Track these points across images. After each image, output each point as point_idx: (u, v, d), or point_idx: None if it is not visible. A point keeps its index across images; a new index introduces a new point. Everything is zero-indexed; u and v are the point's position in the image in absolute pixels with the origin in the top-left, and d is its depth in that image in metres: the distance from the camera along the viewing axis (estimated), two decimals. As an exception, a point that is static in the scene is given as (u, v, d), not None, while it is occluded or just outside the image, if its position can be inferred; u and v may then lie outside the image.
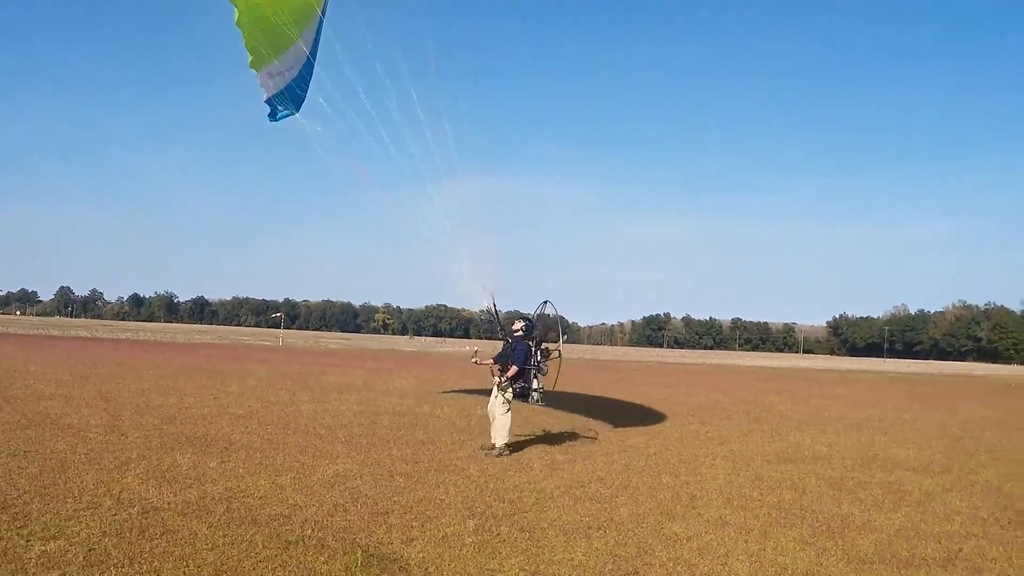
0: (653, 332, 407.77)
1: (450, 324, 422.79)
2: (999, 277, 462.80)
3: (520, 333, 18.86)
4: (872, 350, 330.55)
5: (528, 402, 19.05)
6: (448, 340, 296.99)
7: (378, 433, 20.57)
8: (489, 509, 12.66)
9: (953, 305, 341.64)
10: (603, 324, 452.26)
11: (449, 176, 19.36)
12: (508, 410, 18.48)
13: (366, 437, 19.74)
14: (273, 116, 19.75)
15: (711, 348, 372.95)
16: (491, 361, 18.90)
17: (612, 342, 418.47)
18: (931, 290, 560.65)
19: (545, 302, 19.57)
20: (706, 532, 11.89)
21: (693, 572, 9.97)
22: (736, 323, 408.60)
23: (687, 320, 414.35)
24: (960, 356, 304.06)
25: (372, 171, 19.86)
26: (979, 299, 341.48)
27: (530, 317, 19.24)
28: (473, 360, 19.71)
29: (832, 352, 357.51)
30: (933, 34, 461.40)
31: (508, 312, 22.68)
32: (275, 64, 18.72)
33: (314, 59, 19.16)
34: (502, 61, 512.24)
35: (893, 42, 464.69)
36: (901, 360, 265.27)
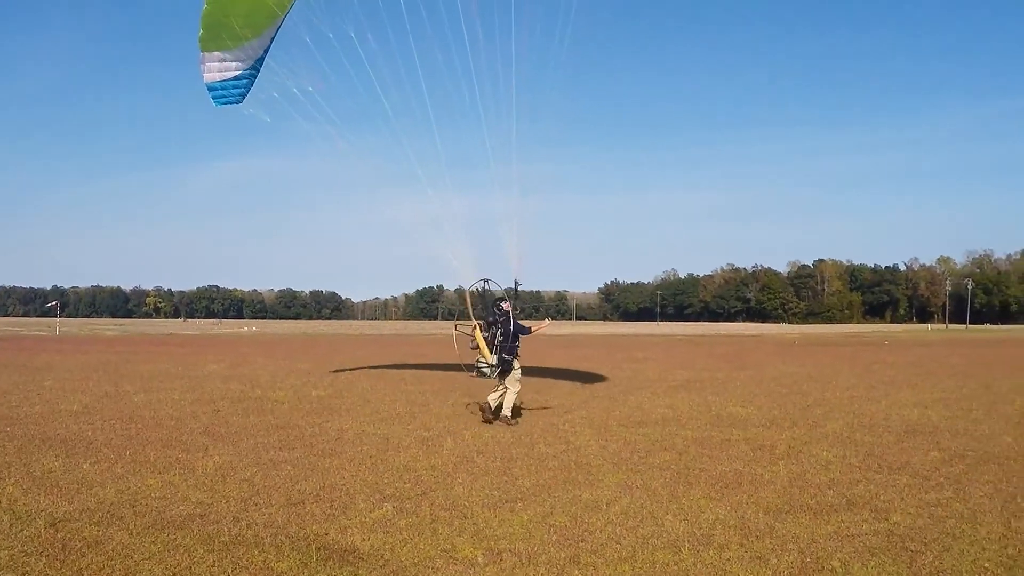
0: (427, 304, 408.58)
1: (223, 305, 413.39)
2: (765, 241, 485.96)
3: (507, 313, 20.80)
4: (644, 314, 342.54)
5: (480, 375, 20.60)
6: (225, 321, 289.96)
7: (230, 421, 19.91)
8: (397, 490, 12.46)
9: (721, 269, 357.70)
10: (376, 299, 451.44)
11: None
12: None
13: (221, 426, 19.08)
14: (220, 100, 21.45)
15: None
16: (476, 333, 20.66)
17: (387, 316, 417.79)
18: (700, 255, 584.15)
19: (517, 284, 22.34)
20: (619, 497, 12.07)
21: (635, 534, 10.10)
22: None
23: (460, 291, 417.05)
24: (730, 317, 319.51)
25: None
26: (746, 262, 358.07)
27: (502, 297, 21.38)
28: (473, 331, 20.94)
29: (605, 317, 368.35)
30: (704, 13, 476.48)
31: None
32: (230, 52, 20.47)
33: (264, 59, 21.18)
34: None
35: (664, 19, 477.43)
36: (675, 323, 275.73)
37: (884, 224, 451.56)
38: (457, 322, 22.73)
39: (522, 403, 22.03)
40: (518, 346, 20.56)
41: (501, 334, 20.21)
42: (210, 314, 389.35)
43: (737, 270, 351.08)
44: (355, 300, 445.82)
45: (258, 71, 21.29)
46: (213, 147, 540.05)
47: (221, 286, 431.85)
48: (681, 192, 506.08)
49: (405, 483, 13.01)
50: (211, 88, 21.14)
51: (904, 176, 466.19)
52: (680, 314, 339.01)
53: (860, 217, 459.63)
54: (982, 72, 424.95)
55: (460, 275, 22.90)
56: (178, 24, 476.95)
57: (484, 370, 20.27)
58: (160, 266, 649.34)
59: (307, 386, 28.86)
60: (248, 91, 21.47)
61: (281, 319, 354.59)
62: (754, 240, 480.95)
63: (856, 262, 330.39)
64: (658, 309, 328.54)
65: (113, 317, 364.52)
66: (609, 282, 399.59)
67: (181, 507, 11.30)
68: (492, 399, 20.10)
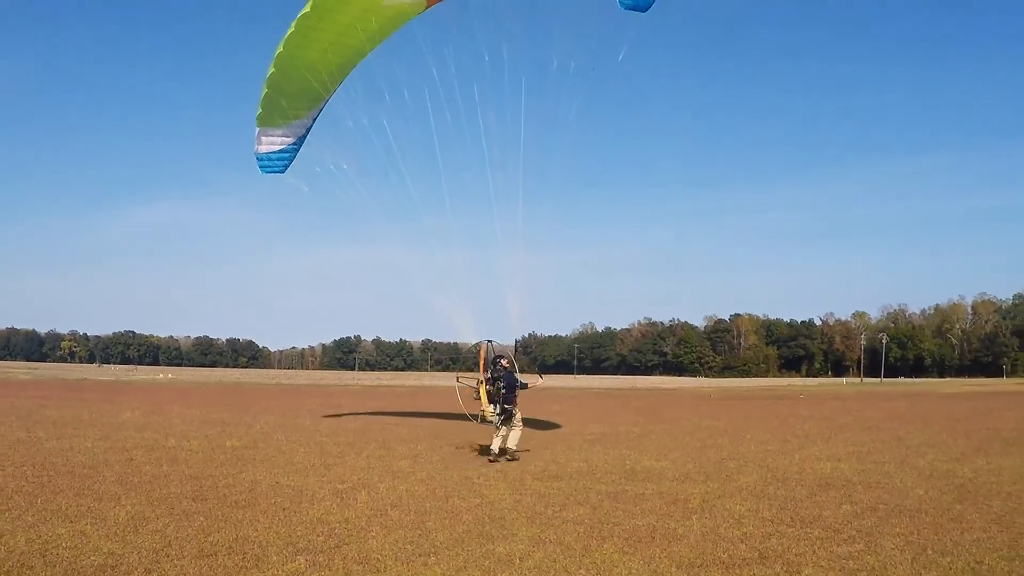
0: (344, 355, 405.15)
1: (139, 351, 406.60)
2: (682, 296, 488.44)
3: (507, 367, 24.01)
4: (561, 367, 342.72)
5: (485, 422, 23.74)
6: (140, 368, 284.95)
7: (143, 470, 19.71)
8: (310, 543, 12.48)
9: (639, 323, 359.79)
10: (293, 348, 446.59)
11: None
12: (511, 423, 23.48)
13: (134, 475, 18.89)
14: (266, 169, 24.85)
15: (402, 369, 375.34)
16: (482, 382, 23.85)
17: (303, 366, 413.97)
18: (617, 309, 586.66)
19: (518, 342, 25.17)
20: (532, 551, 12.20)
21: (546, 590, 10.20)
22: (427, 344, 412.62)
23: (377, 342, 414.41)
24: (647, 370, 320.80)
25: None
26: (664, 316, 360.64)
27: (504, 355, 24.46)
28: (477, 385, 24.17)
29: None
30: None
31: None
32: (280, 128, 23.91)
33: (306, 136, 24.73)
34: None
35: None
36: (593, 376, 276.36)
37: (800, 279, 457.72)
38: (459, 375, 26.21)
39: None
40: (515, 396, 23.52)
41: (504, 387, 23.22)
42: (126, 360, 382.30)
43: (654, 324, 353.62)
44: (272, 349, 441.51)
45: (300, 146, 24.58)
46: (131, 191, 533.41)
47: (137, 332, 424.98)
48: (599, 246, 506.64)
49: (318, 536, 13.03)
50: (260, 158, 24.39)
51: (819, 232, 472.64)
52: (597, 367, 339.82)
53: (776, 272, 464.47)
54: (894, 130, 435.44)
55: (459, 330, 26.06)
56: (95, 63, 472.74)
57: (491, 419, 23.26)
58: (76, 310, 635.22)
59: (222, 436, 28.61)
60: (291, 162, 24.85)
61: (197, 367, 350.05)
62: (671, 295, 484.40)
63: (772, 316, 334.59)
64: (575, 362, 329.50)
65: (27, 361, 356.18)
66: (527, 335, 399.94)
67: (92, 557, 11.23)
68: (495, 443, 23.05)
